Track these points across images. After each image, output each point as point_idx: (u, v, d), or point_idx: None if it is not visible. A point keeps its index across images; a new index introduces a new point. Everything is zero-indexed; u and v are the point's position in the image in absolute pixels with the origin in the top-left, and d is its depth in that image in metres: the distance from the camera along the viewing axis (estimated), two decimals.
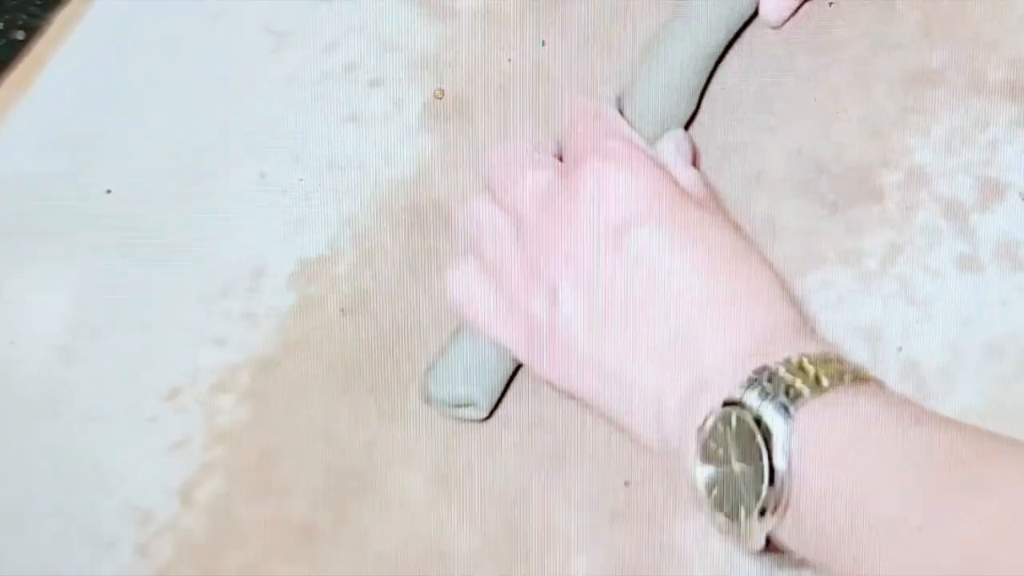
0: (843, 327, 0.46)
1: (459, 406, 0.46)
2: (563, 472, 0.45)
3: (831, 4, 0.53)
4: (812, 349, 0.39)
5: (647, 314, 0.42)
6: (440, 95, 0.53)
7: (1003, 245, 0.46)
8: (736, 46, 0.52)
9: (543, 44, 0.54)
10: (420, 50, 0.55)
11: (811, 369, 0.38)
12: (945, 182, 0.48)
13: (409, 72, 0.55)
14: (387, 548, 0.44)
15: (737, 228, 0.45)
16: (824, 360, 0.38)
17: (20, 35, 0.57)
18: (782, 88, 0.52)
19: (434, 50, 0.55)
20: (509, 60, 0.54)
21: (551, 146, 0.48)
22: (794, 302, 0.43)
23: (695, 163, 0.48)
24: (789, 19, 0.53)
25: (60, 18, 0.57)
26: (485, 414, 0.46)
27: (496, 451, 0.46)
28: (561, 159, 0.48)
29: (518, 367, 0.47)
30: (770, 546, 0.38)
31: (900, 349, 0.45)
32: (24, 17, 0.57)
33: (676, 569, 0.43)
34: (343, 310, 0.49)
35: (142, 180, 0.53)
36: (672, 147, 0.47)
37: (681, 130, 0.49)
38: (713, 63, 0.50)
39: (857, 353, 0.45)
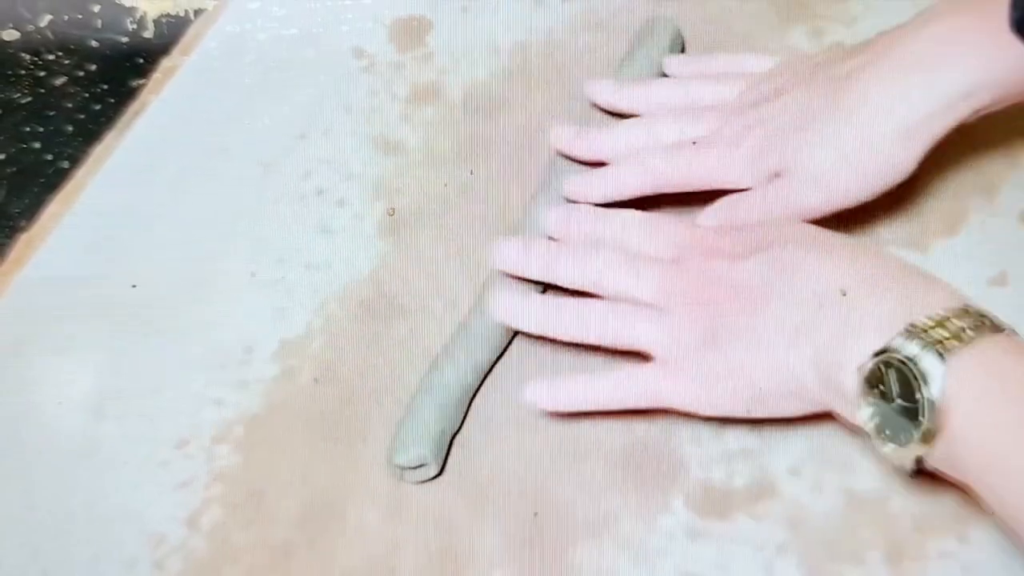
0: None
1: (415, 468, 0.48)
2: (485, 506, 0.47)
3: None
4: (954, 303, 0.41)
5: (804, 279, 0.44)
6: (391, 212, 0.57)
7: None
8: None
9: (471, 173, 0.58)
10: (375, 178, 0.59)
11: (956, 322, 0.39)
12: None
13: (367, 194, 0.58)
14: (349, 565, 0.46)
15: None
16: (965, 313, 0.40)
17: (65, 164, 0.61)
18: None
19: (387, 178, 0.59)
20: (445, 185, 0.58)
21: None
22: (931, 277, 0.44)
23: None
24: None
25: (96, 151, 0.62)
26: (436, 471, 0.48)
27: (435, 490, 0.48)
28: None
29: (455, 433, 0.49)
30: (921, 471, 0.40)
31: None
32: (68, 150, 0.62)
33: None
34: (316, 379, 0.52)
35: (159, 277, 0.56)
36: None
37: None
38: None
39: None
